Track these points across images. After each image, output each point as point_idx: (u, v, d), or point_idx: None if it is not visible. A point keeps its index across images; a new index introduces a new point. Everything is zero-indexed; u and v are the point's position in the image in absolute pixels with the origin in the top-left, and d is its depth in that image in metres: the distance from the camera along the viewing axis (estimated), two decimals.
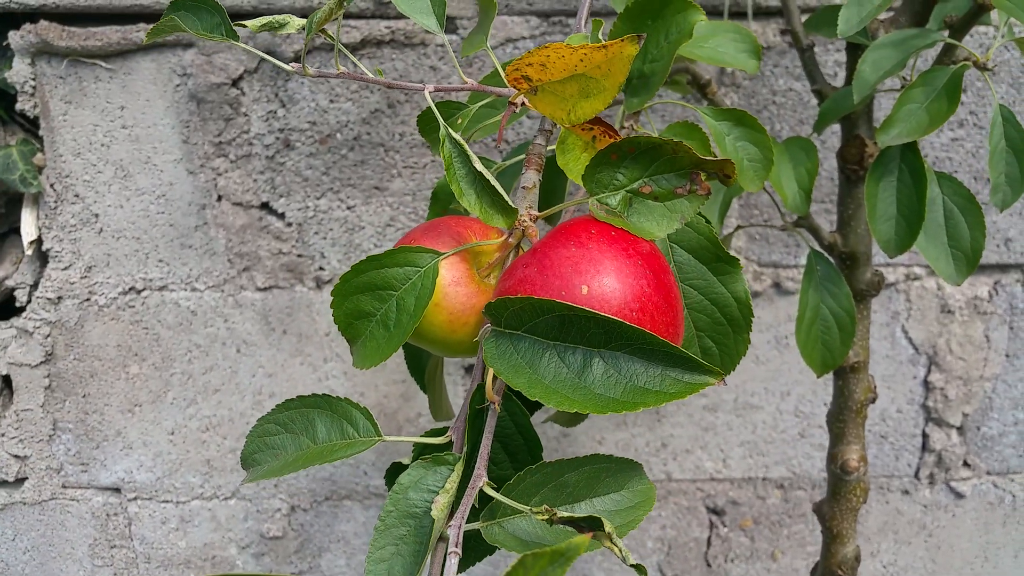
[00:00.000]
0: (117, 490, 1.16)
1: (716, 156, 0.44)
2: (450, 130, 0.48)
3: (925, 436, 1.17)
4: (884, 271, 1.10)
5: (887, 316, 1.11)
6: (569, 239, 0.44)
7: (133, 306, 1.09)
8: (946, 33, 0.66)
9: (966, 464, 1.18)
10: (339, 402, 0.48)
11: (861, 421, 0.81)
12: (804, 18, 0.77)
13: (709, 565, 1.22)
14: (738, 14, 1.01)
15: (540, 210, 0.50)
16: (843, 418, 0.81)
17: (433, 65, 1.02)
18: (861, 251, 0.76)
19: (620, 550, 0.37)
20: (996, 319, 1.12)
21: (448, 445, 0.46)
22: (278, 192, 1.05)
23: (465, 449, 0.46)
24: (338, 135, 1.03)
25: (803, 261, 1.09)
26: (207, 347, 1.10)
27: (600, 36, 0.53)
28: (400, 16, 1.01)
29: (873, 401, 0.81)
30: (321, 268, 1.08)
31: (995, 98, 0.65)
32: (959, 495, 1.20)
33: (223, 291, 1.08)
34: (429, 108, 0.56)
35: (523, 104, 0.50)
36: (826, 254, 0.76)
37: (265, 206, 1.05)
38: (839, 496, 0.83)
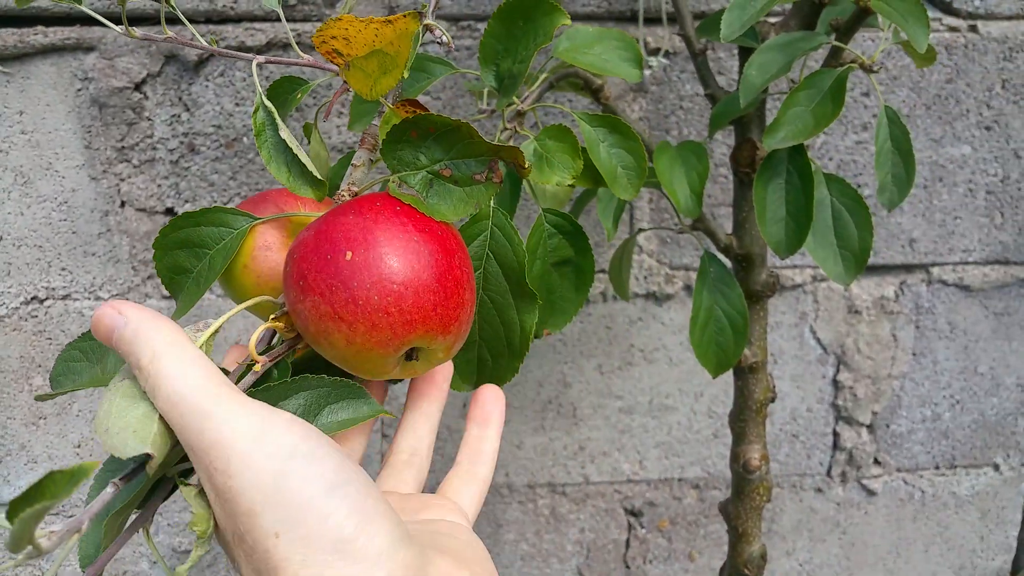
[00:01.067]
0: None
1: (506, 146, 0.46)
2: (264, 98, 0.50)
3: (836, 435, 1.19)
4: (791, 273, 1.12)
5: (795, 317, 1.13)
6: (352, 208, 0.45)
7: (36, 316, 1.06)
8: (833, 36, 0.67)
9: (876, 462, 1.21)
10: None
11: (761, 420, 0.82)
12: (697, 23, 0.78)
13: (628, 567, 1.23)
14: (650, 21, 1.01)
15: None
16: (744, 418, 0.82)
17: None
18: (756, 252, 0.77)
19: None
20: (903, 318, 1.15)
21: None
22: (183, 197, 1.03)
23: None
24: (244, 139, 1.01)
25: (685, 259, 1.10)
26: None
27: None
28: (306, 19, 1.00)
29: (772, 400, 0.83)
30: None
31: (880, 100, 0.66)
32: (871, 492, 1.22)
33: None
34: (278, 81, 0.57)
35: None
36: (721, 256, 0.77)
37: (170, 212, 1.03)
38: (743, 495, 0.84)
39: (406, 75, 0.46)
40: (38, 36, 0.96)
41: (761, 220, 0.68)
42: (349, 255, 0.42)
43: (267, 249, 0.50)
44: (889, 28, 0.68)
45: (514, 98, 0.59)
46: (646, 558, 1.23)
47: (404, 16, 0.43)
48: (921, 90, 1.06)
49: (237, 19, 0.99)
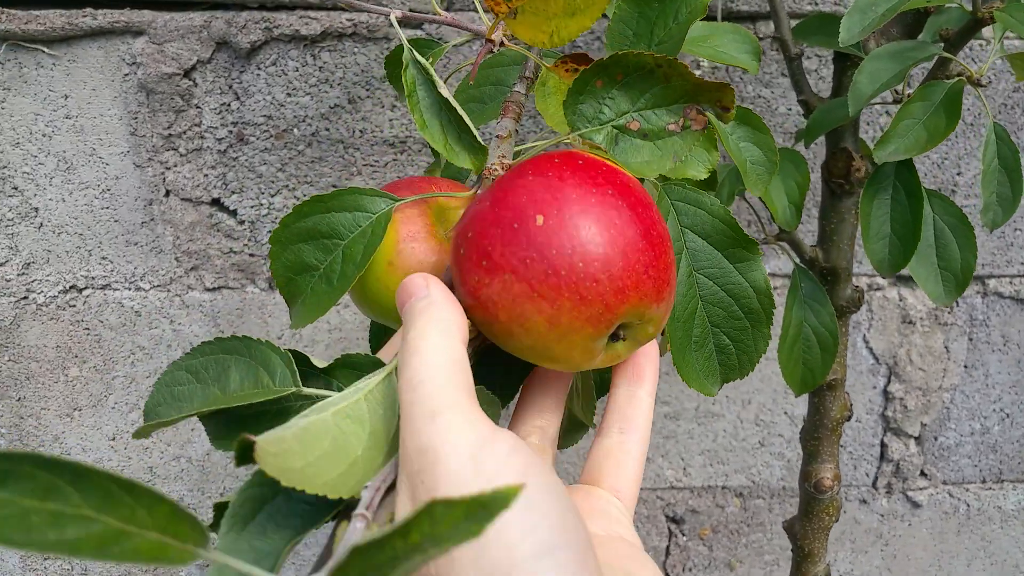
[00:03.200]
0: None
1: (711, 82, 0.39)
2: (415, 53, 0.43)
3: (884, 446, 1.17)
4: None
5: (849, 326, 1.11)
6: (528, 168, 0.38)
7: (74, 305, 1.03)
8: (941, 46, 0.64)
9: (923, 474, 1.19)
10: (258, 346, 0.40)
11: (836, 439, 0.80)
12: (793, 24, 0.75)
13: (668, 574, 1.21)
14: (710, 18, 0.98)
15: None
16: (818, 436, 0.80)
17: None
18: (842, 266, 0.74)
19: None
20: (956, 330, 1.13)
21: None
22: (230, 188, 1.00)
23: None
24: (295, 130, 0.98)
25: (768, 269, 1.07)
26: (151, 349, 1.04)
27: None
28: (362, 9, 0.96)
29: (849, 419, 0.80)
30: None
31: (989, 116, 0.63)
32: (916, 504, 1.20)
33: (169, 291, 1.02)
34: (397, 48, 0.49)
35: (502, 43, 0.46)
36: (806, 269, 0.74)
37: (216, 202, 1.00)
38: (811, 515, 0.82)
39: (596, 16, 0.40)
40: (87, 18, 0.93)
41: (865, 236, 0.65)
42: (540, 219, 0.36)
43: (414, 240, 0.43)
44: (999, 40, 0.66)
45: None
46: (686, 566, 1.21)
47: None
48: (988, 97, 1.04)
49: (291, 7, 0.95)
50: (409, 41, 0.50)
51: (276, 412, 0.40)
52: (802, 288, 0.70)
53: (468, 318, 0.38)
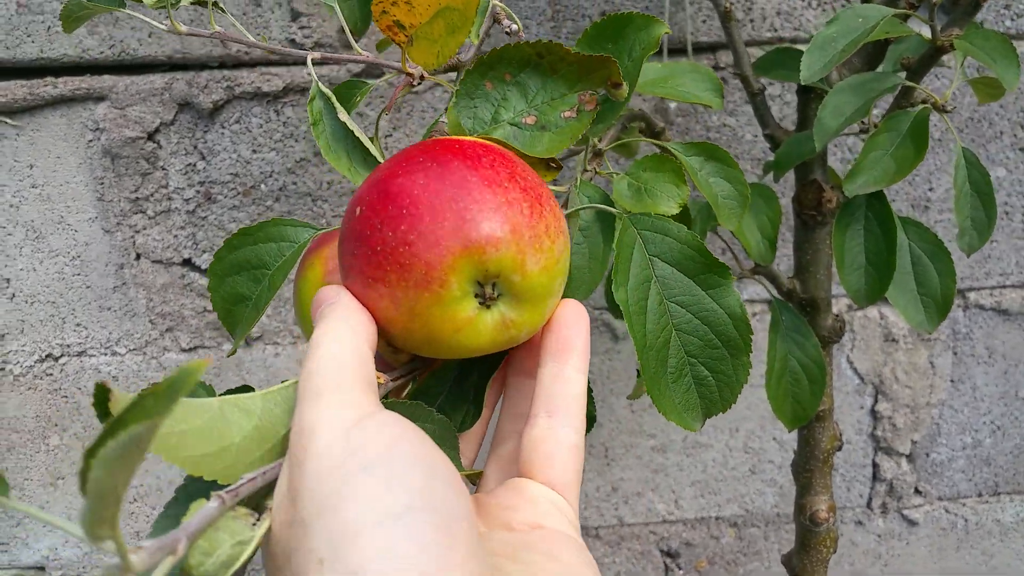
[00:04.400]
0: (41, 568, 1.08)
1: (594, 56, 0.40)
2: (321, 86, 0.44)
3: (875, 465, 1.16)
4: None
5: (832, 347, 1.10)
6: (381, 167, 0.38)
7: (51, 374, 1.01)
8: (903, 75, 0.64)
9: (917, 491, 1.18)
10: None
11: (828, 470, 0.79)
12: (754, 56, 0.75)
13: None
14: (673, 51, 0.99)
15: None
16: (809, 468, 0.79)
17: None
18: (821, 296, 0.74)
19: None
20: (940, 345, 1.12)
21: None
22: (200, 248, 0.98)
23: None
24: (262, 186, 0.97)
25: (745, 296, 1.07)
26: None
27: None
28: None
29: (839, 449, 0.79)
30: None
31: (957, 143, 0.63)
32: (912, 523, 1.19)
33: (145, 354, 1.01)
34: (337, 88, 0.51)
35: (422, 76, 0.46)
36: (785, 301, 0.74)
37: (187, 263, 0.99)
38: (809, 547, 0.81)
39: (474, 39, 0.42)
40: (48, 87, 0.92)
41: (840, 268, 0.65)
42: (359, 210, 0.36)
43: (337, 273, 0.44)
44: (961, 66, 0.66)
45: (592, 138, 0.56)
46: None
47: None
48: (954, 114, 1.04)
49: (252, 64, 0.95)
50: (343, 84, 0.51)
51: None
52: (783, 321, 0.70)
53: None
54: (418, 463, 0.29)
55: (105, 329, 1.00)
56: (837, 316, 0.74)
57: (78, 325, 1.00)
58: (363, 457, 0.29)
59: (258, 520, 0.31)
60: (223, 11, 0.51)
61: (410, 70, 0.45)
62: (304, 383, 0.32)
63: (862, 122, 0.69)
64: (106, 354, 1.01)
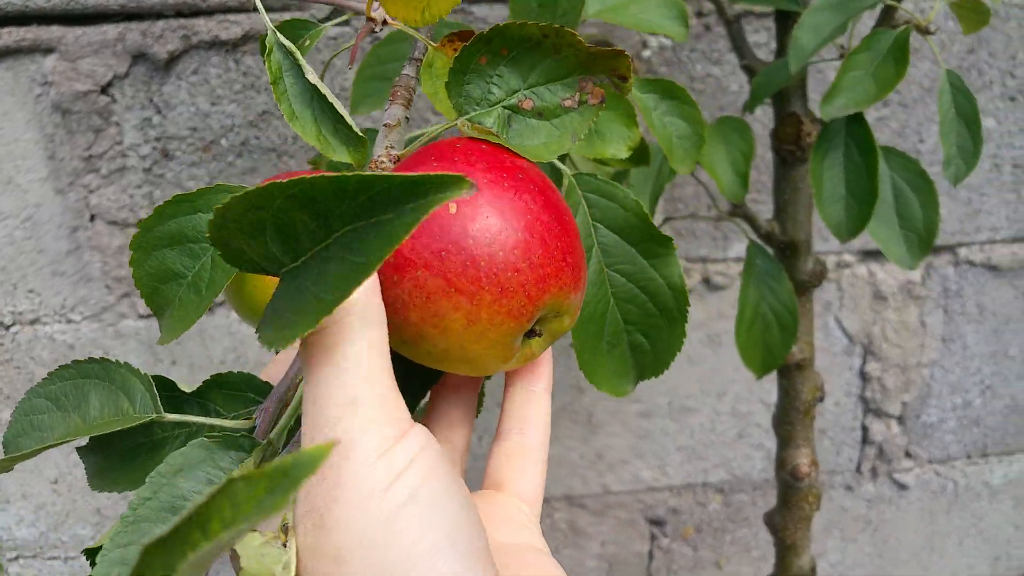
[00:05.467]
0: None
1: (604, 49, 0.36)
2: (279, 36, 0.38)
3: (865, 428, 1.13)
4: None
5: (819, 307, 1.06)
6: (430, 154, 0.35)
7: (2, 343, 0.97)
8: None
9: (908, 454, 1.15)
10: (118, 369, 0.37)
11: (809, 422, 0.75)
12: None
13: None
14: None
15: None
16: (790, 420, 0.75)
17: None
18: (801, 239, 0.70)
19: None
20: (930, 303, 1.09)
21: (250, 430, 0.35)
22: None
23: (272, 435, 0.35)
24: (223, 141, 0.93)
25: (732, 254, 1.03)
26: None
27: None
28: (285, 8, 0.92)
29: (821, 399, 0.76)
30: None
31: (941, 64, 0.59)
32: (902, 486, 1.16)
33: (102, 321, 0.97)
34: (280, 25, 0.45)
35: (385, 21, 0.41)
36: (764, 245, 0.70)
37: None
38: (790, 504, 0.77)
39: None
40: None
41: (818, 200, 0.61)
42: (454, 207, 0.33)
43: None
44: None
45: None
46: (671, 569, 1.16)
47: None
48: (942, 62, 1.00)
49: (209, 12, 0.91)
50: (285, 22, 0.46)
51: (150, 445, 0.37)
52: (757, 265, 0.66)
53: None
54: (451, 493, 0.30)
55: (59, 295, 0.96)
56: (818, 260, 0.71)
57: (30, 291, 0.95)
58: (406, 486, 0.29)
59: (285, 542, 0.29)
60: None
61: (372, 14, 0.41)
62: (330, 383, 0.29)
63: (840, 46, 0.65)
64: (60, 321, 0.97)
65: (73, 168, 0.92)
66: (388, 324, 0.33)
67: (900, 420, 1.13)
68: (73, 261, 0.95)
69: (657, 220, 0.97)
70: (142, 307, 0.97)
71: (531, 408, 0.40)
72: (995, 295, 1.10)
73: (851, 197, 0.60)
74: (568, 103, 0.37)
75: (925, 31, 0.61)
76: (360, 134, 0.37)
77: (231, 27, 0.90)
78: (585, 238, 0.44)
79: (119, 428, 0.34)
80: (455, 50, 0.39)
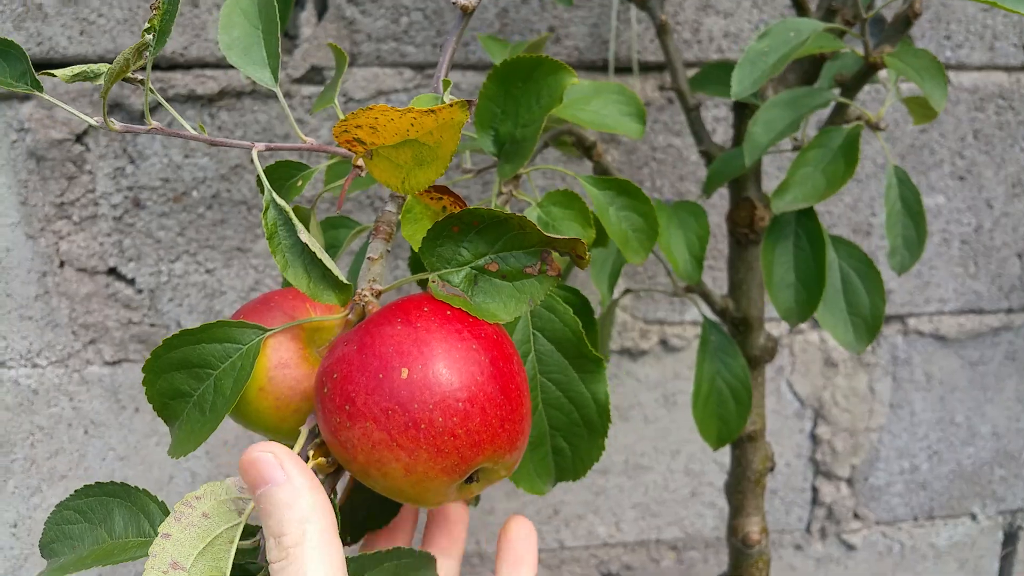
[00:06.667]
0: None
1: (564, 236, 0.40)
2: (275, 195, 0.42)
3: (815, 489, 1.16)
4: (767, 325, 1.08)
5: (772, 371, 1.10)
6: (397, 316, 0.39)
7: None
8: (838, 92, 0.64)
9: (856, 516, 1.18)
10: (137, 493, 0.43)
11: (760, 491, 0.78)
12: (689, 75, 0.74)
13: None
14: (620, 70, 0.98)
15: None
16: (741, 489, 0.78)
17: (300, 118, 0.95)
18: (754, 315, 0.73)
19: None
20: (879, 370, 1.12)
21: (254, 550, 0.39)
22: (127, 256, 0.95)
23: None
24: (194, 192, 0.95)
25: (688, 317, 1.06)
26: (51, 429, 0.99)
27: (447, 97, 0.47)
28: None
29: (772, 469, 0.78)
30: None
31: (889, 161, 0.63)
32: (850, 547, 1.19)
33: (67, 366, 0.97)
34: (274, 166, 0.50)
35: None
36: (719, 322, 0.73)
37: (113, 271, 0.96)
38: (741, 570, 0.79)
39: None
40: None
41: (769, 286, 0.64)
42: (405, 372, 0.37)
43: (285, 367, 0.43)
44: (895, 84, 0.65)
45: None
46: None
47: (450, 105, 0.37)
48: (896, 140, 1.04)
49: (187, 66, 0.93)
50: (280, 163, 0.50)
51: None
52: (712, 341, 0.69)
53: (329, 453, 0.40)
54: None
55: (26, 339, 0.96)
56: (770, 336, 0.74)
57: None
58: None
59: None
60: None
61: (357, 163, 0.44)
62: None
63: (795, 138, 0.69)
64: (26, 366, 0.97)
65: (45, 214, 0.93)
66: (342, 459, 0.38)
67: (849, 482, 1.16)
68: (41, 306, 0.95)
69: (618, 291, 1.00)
70: (108, 354, 0.97)
71: None
72: (942, 364, 1.13)
73: (800, 284, 0.63)
74: (529, 270, 0.40)
75: (876, 127, 0.64)
76: (345, 281, 0.42)
77: (207, 82, 0.92)
78: (523, 343, 0.48)
79: (145, 553, 0.37)
80: (432, 198, 0.43)
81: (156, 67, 0.92)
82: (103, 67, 0.47)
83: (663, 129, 1.01)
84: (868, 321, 0.64)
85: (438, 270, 0.41)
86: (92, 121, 0.45)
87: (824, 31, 0.56)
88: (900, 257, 0.63)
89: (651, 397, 1.09)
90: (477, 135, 0.53)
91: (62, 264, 0.95)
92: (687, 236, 0.67)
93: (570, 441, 0.48)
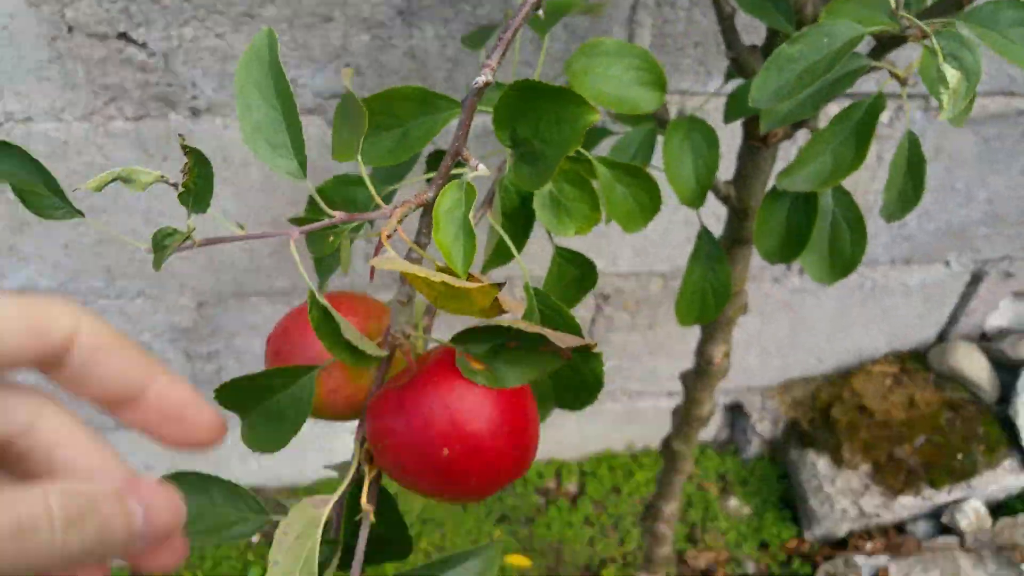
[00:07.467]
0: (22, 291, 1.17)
1: (584, 342, 0.45)
2: (317, 295, 0.45)
3: None
4: None
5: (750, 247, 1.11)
6: (432, 385, 0.46)
7: None
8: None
9: None
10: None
11: (729, 329, 0.87)
12: None
13: (592, 335, 1.33)
14: None
15: None
16: (712, 327, 0.86)
17: None
18: (752, 206, 0.75)
19: None
20: (892, 143, 1.13)
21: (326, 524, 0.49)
22: (135, 21, 0.93)
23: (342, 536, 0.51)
24: None
25: (711, 88, 1.05)
26: (86, 173, 1.05)
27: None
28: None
29: (744, 313, 0.86)
30: (195, 97, 0.99)
31: (907, 123, 0.61)
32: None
33: (91, 121, 1.00)
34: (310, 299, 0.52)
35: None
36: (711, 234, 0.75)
37: (124, 36, 0.94)
38: (701, 374, 0.91)
39: None
40: None
41: (760, 232, 0.66)
42: (446, 452, 0.45)
43: (335, 392, 0.53)
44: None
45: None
46: (609, 327, 1.33)
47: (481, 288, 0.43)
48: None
49: None
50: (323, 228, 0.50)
51: None
52: (704, 250, 0.73)
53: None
54: None
55: (48, 98, 0.98)
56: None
57: (18, 94, 0.97)
58: None
59: None
60: None
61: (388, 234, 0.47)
62: None
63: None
64: (53, 120, 1.00)
65: None
66: (381, 467, 0.48)
67: None
68: (57, 68, 0.95)
69: None
70: (130, 111, 0.99)
71: None
72: (956, 138, 1.14)
73: (788, 234, 0.65)
74: (543, 348, 0.46)
75: (904, 82, 0.61)
76: (379, 353, 0.48)
77: None
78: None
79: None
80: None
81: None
82: (136, 172, 0.46)
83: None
84: (844, 264, 0.67)
85: (464, 344, 0.47)
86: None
87: (863, 35, 0.52)
88: (891, 209, 0.64)
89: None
90: (495, 131, 0.51)
91: (70, 29, 0.93)
92: (696, 162, 0.67)
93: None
